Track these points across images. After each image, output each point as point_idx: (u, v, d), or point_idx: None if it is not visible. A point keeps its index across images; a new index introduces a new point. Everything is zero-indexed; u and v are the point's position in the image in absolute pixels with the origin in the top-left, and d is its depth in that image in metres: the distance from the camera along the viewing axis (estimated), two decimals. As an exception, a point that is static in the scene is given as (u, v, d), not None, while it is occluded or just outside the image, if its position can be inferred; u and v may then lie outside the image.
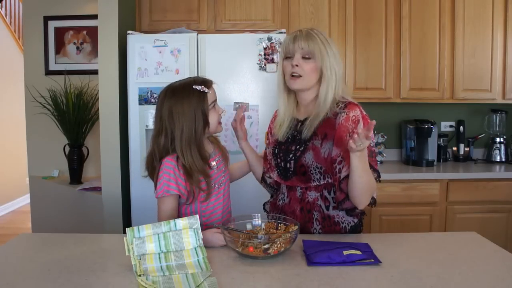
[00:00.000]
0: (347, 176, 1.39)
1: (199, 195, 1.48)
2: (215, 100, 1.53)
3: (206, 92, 1.48)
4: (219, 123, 1.55)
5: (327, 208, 1.50)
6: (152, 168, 1.51)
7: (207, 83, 1.51)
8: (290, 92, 1.56)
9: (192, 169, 1.45)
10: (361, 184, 1.35)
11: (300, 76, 1.46)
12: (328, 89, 1.46)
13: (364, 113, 1.46)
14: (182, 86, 1.49)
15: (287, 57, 1.49)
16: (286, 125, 1.55)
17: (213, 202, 1.54)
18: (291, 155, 1.50)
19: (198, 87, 1.47)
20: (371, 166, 1.40)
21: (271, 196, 1.70)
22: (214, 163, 1.56)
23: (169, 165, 1.45)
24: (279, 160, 1.55)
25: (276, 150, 1.56)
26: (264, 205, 1.73)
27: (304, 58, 1.45)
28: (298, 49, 1.45)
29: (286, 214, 1.54)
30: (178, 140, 1.45)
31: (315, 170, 1.46)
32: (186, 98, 1.46)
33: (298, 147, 1.50)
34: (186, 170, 1.45)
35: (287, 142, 1.54)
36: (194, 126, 1.45)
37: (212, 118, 1.50)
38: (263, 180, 1.69)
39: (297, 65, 1.45)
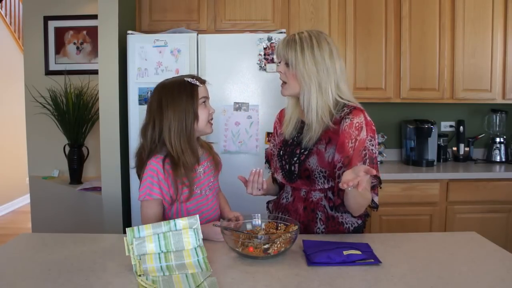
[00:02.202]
0: None
1: (182, 192, 1.45)
2: (206, 97, 1.51)
3: (197, 85, 1.47)
4: (210, 122, 1.52)
5: (331, 209, 1.50)
6: (140, 161, 1.49)
7: (199, 78, 1.51)
8: None
9: (180, 159, 1.42)
10: (356, 205, 1.42)
11: (285, 83, 1.50)
12: (310, 98, 1.44)
13: (369, 119, 1.45)
14: (174, 80, 1.50)
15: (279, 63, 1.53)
16: (292, 125, 1.56)
17: (195, 206, 1.51)
18: (295, 159, 1.50)
19: (189, 79, 1.46)
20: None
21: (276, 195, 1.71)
22: (201, 168, 1.53)
23: (153, 168, 1.42)
24: (283, 162, 1.54)
25: (281, 152, 1.56)
26: (267, 203, 1.72)
27: (286, 65, 1.48)
28: (280, 56, 1.49)
29: (289, 213, 1.54)
30: (166, 131, 1.43)
31: (319, 174, 1.47)
32: (177, 90, 1.44)
33: (302, 150, 1.50)
34: (173, 161, 1.42)
35: (292, 144, 1.54)
36: (184, 119, 1.43)
37: (202, 115, 1.48)
38: (274, 181, 1.66)
39: (280, 72, 1.49)
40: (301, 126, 1.55)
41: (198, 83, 1.47)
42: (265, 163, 1.76)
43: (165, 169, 1.43)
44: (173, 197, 1.45)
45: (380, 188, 1.48)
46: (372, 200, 1.46)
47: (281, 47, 1.47)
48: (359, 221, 1.54)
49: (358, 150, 1.40)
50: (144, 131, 1.48)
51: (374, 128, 1.45)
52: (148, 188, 1.42)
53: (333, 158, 1.44)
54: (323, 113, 1.45)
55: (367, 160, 1.40)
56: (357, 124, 1.41)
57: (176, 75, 1.56)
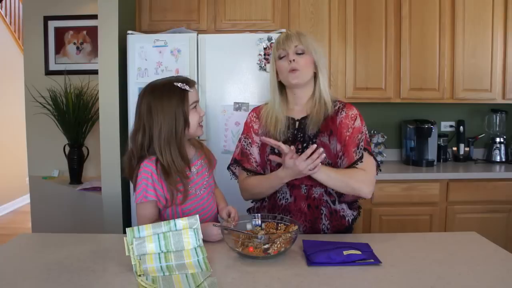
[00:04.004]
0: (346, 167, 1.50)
1: (177, 197, 1.43)
2: (197, 101, 1.48)
3: (187, 91, 1.44)
4: (200, 125, 1.49)
5: (333, 203, 1.54)
6: (130, 167, 1.46)
7: (189, 82, 1.46)
8: (282, 92, 1.60)
9: (170, 168, 1.40)
10: (342, 188, 1.47)
11: (297, 70, 1.50)
12: (324, 82, 1.55)
13: (359, 112, 1.57)
14: (163, 84, 1.45)
15: (281, 57, 1.53)
16: (282, 124, 1.55)
17: (191, 206, 1.49)
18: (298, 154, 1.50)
19: (179, 85, 1.42)
20: (370, 153, 1.51)
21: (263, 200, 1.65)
22: (194, 169, 1.51)
23: (147, 169, 1.40)
24: None
25: (277, 150, 1.54)
26: (248, 210, 1.68)
27: (297, 54, 1.51)
28: (291, 46, 1.51)
29: (291, 213, 1.53)
30: (156, 138, 1.40)
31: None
32: (166, 95, 1.41)
33: (305, 145, 1.51)
34: (164, 169, 1.40)
35: (287, 141, 1.54)
36: (174, 125, 1.40)
37: (193, 119, 1.45)
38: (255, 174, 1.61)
39: (294, 60, 1.50)
40: (293, 122, 1.57)
41: (188, 88, 1.44)
42: (236, 166, 1.63)
43: (158, 169, 1.41)
44: (168, 199, 1.43)
45: (380, 170, 1.57)
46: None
47: (293, 38, 1.51)
48: (355, 213, 1.61)
49: (352, 136, 1.50)
50: (134, 137, 1.45)
51: (363, 120, 1.56)
52: (144, 190, 1.41)
53: (336, 150, 1.51)
54: (328, 99, 1.54)
55: (361, 144, 1.49)
56: (352, 115, 1.53)
57: (167, 77, 1.51)
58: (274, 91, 1.59)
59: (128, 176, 1.50)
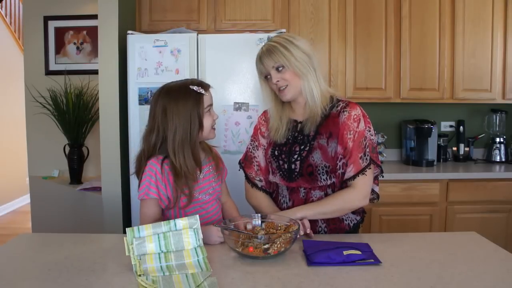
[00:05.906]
0: (353, 176, 1.46)
1: (181, 199, 1.44)
2: (211, 105, 1.50)
3: (203, 94, 1.45)
4: (213, 128, 1.51)
5: None
6: (139, 167, 1.48)
7: (204, 85, 1.48)
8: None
9: (182, 169, 1.41)
10: (339, 214, 1.51)
11: (286, 86, 1.48)
12: (311, 86, 1.47)
13: (364, 111, 1.51)
14: (178, 86, 1.46)
15: (267, 77, 1.51)
16: (284, 127, 1.55)
17: (193, 209, 1.49)
18: (296, 156, 1.50)
19: (195, 88, 1.44)
20: (373, 162, 1.47)
21: None
22: (201, 174, 1.52)
23: (152, 167, 1.42)
24: (281, 162, 1.54)
25: (276, 152, 1.55)
26: None
27: (279, 71, 1.46)
28: (268, 67, 1.47)
29: None
30: (170, 140, 1.42)
31: (323, 169, 1.47)
32: (182, 98, 1.42)
33: (303, 147, 1.50)
34: (175, 171, 1.42)
35: (287, 143, 1.54)
36: (189, 128, 1.42)
37: (207, 122, 1.47)
38: (253, 185, 1.63)
39: (278, 81, 1.47)
40: (295, 124, 1.56)
41: (203, 92, 1.45)
42: (240, 169, 1.68)
43: (163, 169, 1.43)
44: (171, 200, 1.44)
45: (382, 177, 1.54)
46: (373, 190, 1.53)
47: (265, 59, 1.47)
48: (358, 218, 1.58)
49: (358, 141, 1.45)
50: (147, 137, 1.47)
51: (369, 120, 1.51)
52: (146, 187, 1.42)
53: (336, 152, 1.47)
54: (322, 100, 1.49)
55: (367, 150, 1.46)
56: (355, 116, 1.47)
57: (180, 79, 1.52)
58: (270, 101, 1.57)
59: (137, 174, 1.51)
